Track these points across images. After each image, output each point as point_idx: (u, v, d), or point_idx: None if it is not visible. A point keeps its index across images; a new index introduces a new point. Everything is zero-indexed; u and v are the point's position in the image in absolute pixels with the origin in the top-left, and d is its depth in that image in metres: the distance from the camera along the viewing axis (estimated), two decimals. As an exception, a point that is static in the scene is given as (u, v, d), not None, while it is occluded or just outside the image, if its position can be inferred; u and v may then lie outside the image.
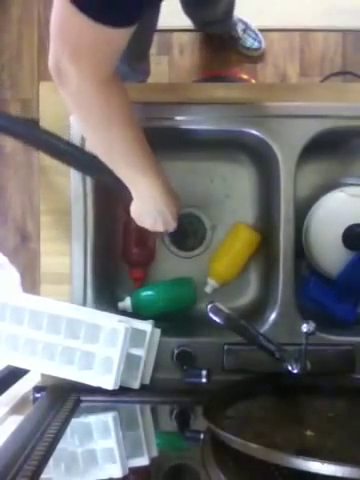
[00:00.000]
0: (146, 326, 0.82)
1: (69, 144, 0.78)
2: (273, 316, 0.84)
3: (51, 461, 0.62)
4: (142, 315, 0.90)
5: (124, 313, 0.89)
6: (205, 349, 0.84)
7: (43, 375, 0.84)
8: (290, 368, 0.73)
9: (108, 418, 0.78)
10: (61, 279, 0.86)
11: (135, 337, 0.80)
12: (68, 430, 0.70)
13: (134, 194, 0.77)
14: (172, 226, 0.83)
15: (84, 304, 0.86)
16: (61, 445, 0.66)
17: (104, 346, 0.78)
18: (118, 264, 0.99)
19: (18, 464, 0.58)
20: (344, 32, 1.61)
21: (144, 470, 0.65)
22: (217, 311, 0.73)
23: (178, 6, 1.24)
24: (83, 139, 0.84)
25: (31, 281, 1.48)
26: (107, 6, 0.53)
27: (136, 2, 0.56)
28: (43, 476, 0.58)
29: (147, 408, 0.84)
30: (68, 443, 0.69)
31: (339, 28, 1.61)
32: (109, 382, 0.77)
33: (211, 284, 0.95)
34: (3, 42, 1.65)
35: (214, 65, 1.63)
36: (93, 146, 0.75)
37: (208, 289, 0.96)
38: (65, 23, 0.57)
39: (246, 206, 0.99)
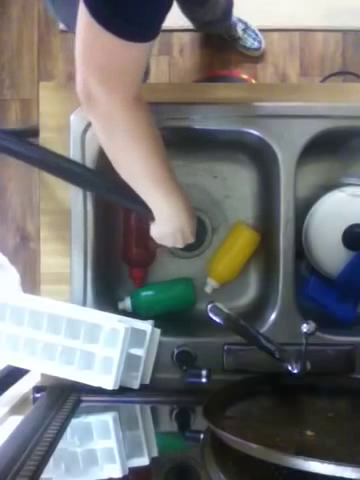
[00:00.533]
0: (146, 326, 0.82)
1: (86, 168, 0.78)
2: (273, 316, 0.84)
3: (51, 461, 0.62)
4: (142, 315, 0.90)
5: (124, 313, 0.89)
6: (205, 349, 0.84)
7: (43, 375, 0.84)
8: (290, 368, 0.73)
9: (108, 418, 0.78)
10: (61, 279, 0.86)
11: (135, 337, 0.80)
12: (68, 430, 0.70)
13: (157, 215, 0.77)
14: (191, 240, 0.83)
15: (84, 304, 0.86)
16: (61, 445, 0.66)
17: (104, 346, 0.78)
18: (118, 264, 0.99)
19: (18, 464, 0.58)
20: (344, 32, 1.61)
21: (144, 470, 0.65)
22: (217, 311, 0.73)
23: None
24: (83, 144, 0.84)
25: (31, 281, 1.49)
26: (135, 23, 0.54)
27: (161, 13, 0.56)
28: (43, 476, 0.58)
29: (147, 408, 0.83)
30: (68, 443, 0.69)
31: (339, 28, 1.61)
32: (109, 382, 0.77)
33: (211, 284, 0.95)
34: (3, 42, 1.65)
35: (214, 65, 1.63)
36: (116, 166, 0.71)
37: (208, 289, 0.96)
38: (92, 45, 0.56)
39: (246, 206, 0.99)
